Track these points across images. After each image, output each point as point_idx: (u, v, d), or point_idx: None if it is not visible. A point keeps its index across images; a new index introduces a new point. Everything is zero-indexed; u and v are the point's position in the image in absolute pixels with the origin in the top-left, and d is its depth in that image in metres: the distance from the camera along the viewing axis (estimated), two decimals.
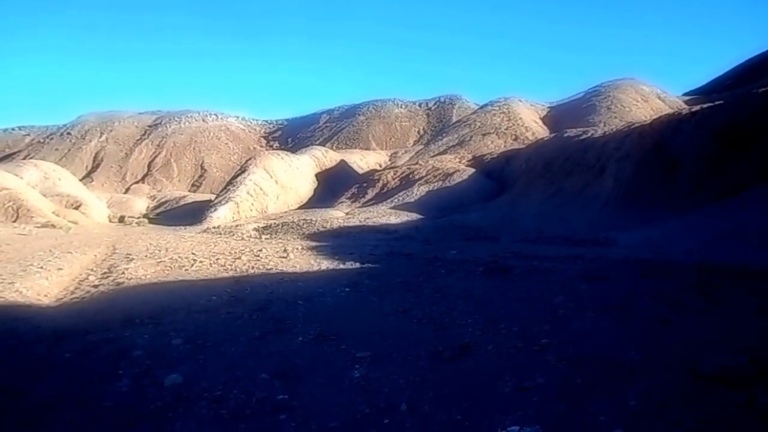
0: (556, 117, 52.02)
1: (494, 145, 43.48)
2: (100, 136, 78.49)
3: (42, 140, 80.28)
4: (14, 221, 26.30)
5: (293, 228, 24.52)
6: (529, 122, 48.67)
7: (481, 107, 57.41)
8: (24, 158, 64.41)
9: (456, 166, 36.99)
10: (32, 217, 27.04)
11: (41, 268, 11.48)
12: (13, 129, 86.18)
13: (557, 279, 9.92)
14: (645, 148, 22.70)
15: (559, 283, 9.43)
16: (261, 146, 78.31)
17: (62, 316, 7.79)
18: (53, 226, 25.23)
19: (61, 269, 11.67)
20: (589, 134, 30.38)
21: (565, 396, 4.36)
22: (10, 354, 5.80)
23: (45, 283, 10.09)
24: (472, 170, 35.67)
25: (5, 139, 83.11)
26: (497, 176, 35.10)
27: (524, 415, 4.06)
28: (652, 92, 52.46)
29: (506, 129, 46.97)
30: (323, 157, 46.76)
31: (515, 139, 44.18)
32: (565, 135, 32.71)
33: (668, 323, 6.30)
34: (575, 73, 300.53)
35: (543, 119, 52.24)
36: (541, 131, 45.89)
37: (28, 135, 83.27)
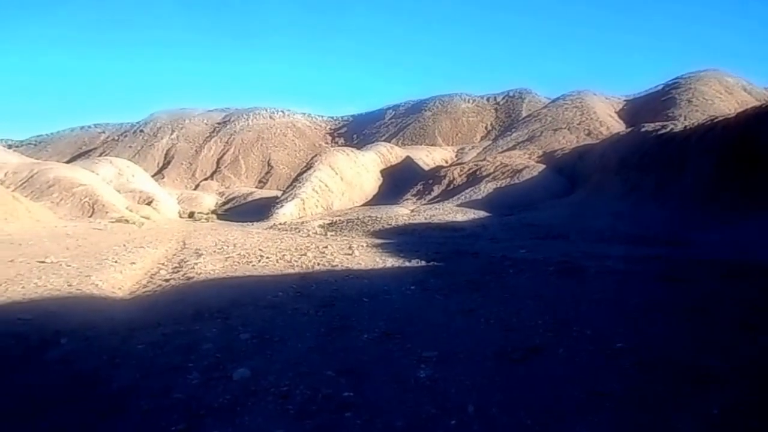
0: (632, 111, 50.38)
1: (566, 141, 42.48)
2: (171, 134, 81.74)
3: (116, 137, 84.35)
4: (90, 216, 27.69)
5: (358, 225, 24.70)
6: (604, 116, 47.27)
7: (553, 101, 56.32)
8: (100, 155, 68.10)
9: (525, 162, 36.36)
10: (107, 212, 28.40)
11: (115, 261, 12.00)
12: (89, 127, 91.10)
13: (632, 280, 9.57)
14: (729, 143, 21.62)
15: (635, 285, 9.09)
16: (326, 143, 79.57)
17: (135, 309, 8.08)
18: (126, 221, 26.40)
19: (134, 263, 12.16)
20: (668, 129, 29.18)
21: (641, 403, 4.15)
22: (87, 344, 6.03)
23: (119, 277, 10.51)
24: (542, 166, 34.97)
25: (82, 136, 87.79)
26: (569, 173, 34.28)
27: (597, 421, 3.89)
28: (737, 84, 49.90)
29: (579, 124, 45.82)
30: (388, 153, 46.91)
31: (588, 134, 43.03)
32: (643, 129, 31.54)
33: (752, 328, 5.93)
34: (654, 65, 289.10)
35: (618, 113, 50.71)
36: (616, 126, 44.51)
37: (104, 132, 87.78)
